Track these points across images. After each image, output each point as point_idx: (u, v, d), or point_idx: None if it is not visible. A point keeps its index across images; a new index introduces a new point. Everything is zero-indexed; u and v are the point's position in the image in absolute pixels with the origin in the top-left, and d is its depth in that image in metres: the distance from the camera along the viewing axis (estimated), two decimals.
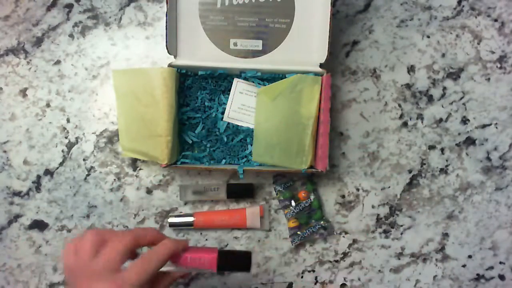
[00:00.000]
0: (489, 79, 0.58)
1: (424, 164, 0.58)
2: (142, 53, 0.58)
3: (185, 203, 0.57)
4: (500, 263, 0.58)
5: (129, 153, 0.53)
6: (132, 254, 0.41)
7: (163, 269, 0.42)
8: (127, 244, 0.40)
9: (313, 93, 0.51)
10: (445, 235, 0.58)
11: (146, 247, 0.45)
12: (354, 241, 0.58)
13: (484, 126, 0.58)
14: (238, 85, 0.55)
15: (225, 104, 0.55)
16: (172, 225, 0.55)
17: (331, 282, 0.57)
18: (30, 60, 0.57)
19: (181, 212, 0.57)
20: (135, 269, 0.38)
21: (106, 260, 0.38)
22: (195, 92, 0.55)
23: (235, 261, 0.45)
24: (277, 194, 0.57)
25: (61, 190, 0.57)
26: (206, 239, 0.57)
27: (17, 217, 0.57)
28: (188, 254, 0.43)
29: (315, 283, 0.57)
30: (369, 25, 0.58)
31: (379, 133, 0.58)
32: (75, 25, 0.58)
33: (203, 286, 0.57)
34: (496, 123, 0.58)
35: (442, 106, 0.58)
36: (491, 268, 0.58)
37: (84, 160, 0.57)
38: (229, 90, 0.55)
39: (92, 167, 0.57)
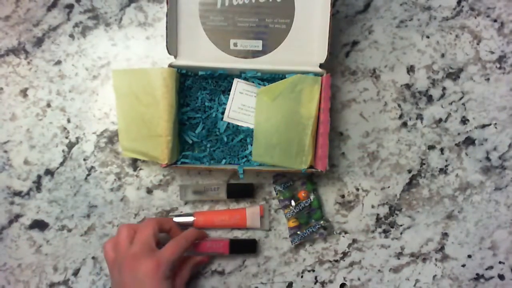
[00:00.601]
0: (488, 79, 0.58)
1: (424, 164, 0.58)
2: (142, 53, 0.58)
3: (185, 203, 0.57)
4: (500, 262, 0.58)
5: (129, 153, 0.53)
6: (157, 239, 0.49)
7: (188, 253, 0.53)
8: (154, 227, 0.49)
9: (313, 93, 0.51)
10: (445, 235, 0.58)
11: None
12: (354, 240, 0.58)
13: (483, 126, 0.58)
14: (238, 85, 0.55)
15: (225, 104, 0.55)
16: None
17: (331, 282, 0.58)
18: (31, 60, 0.57)
19: (181, 212, 0.57)
20: (169, 248, 0.47)
21: (142, 243, 0.47)
22: (195, 92, 0.55)
23: (243, 246, 0.56)
24: (277, 194, 0.57)
25: (61, 190, 0.57)
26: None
27: (17, 217, 0.57)
28: (206, 242, 0.54)
29: (315, 283, 0.57)
30: (368, 26, 0.58)
31: (378, 133, 0.58)
32: (76, 25, 0.58)
33: (203, 286, 0.57)
34: (496, 123, 0.58)
35: (442, 106, 0.58)
36: (491, 267, 0.58)
37: (84, 160, 0.57)
38: (229, 90, 0.55)
39: (92, 167, 0.57)
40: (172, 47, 0.52)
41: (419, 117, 0.58)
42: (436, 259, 0.58)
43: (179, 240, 0.49)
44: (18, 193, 0.57)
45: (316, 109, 0.52)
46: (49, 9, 0.58)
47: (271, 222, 0.57)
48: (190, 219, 0.55)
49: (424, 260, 0.58)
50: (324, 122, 0.51)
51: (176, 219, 0.55)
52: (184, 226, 0.56)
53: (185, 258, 0.54)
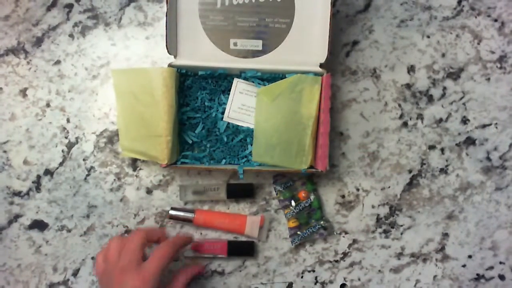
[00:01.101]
0: (489, 79, 0.58)
1: (424, 164, 0.58)
2: (142, 53, 0.58)
3: (185, 203, 0.57)
4: (500, 263, 0.58)
5: (129, 153, 0.53)
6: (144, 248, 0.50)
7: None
8: (140, 240, 0.48)
9: (313, 93, 0.51)
10: (445, 235, 0.58)
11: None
12: (354, 241, 0.58)
13: (484, 126, 0.58)
14: (238, 85, 0.55)
15: (225, 104, 0.55)
16: (172, 217, 0.55)
17: (331, 282, 0.57)
18: (30, 60, 0.57)
19: (185, 204, 0.57)
20: (154, 260, 0.47)
21: (129, 256, 0.47)
22: (195, 92, 0.55)
23: (241, 248, 0.56)
24: (277, 194, 0.57)
25: (61, 190, 0.57)
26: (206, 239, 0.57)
27: (17, 217, 0.57)
28: (205, 243, 0.55)
29: (315, 283, 0.57)
30: (369, 25, 0.58)
31: (379, 133, 0.58)
32: (75, 25, 0.57)
33: (203, 286, 0.57)
34: (496, 123, 0.58)
35: (442, 106, 0.58)
36: (491, 268, 0.58)
37: (84, 160, 0.57)
38: (229, 90, 0.55)
39: (92, 167, 0.57)
40: (172, 47, 0.52)
41: (420, 117, 0.58)
42: (436, 259, 0.58)
43: (164, 248, 0.48)
44: (17, 193, 0.57)
45: (316, 109, 0.52)
46: (49, 8, 0.57)
47: (269, 230, 0.57)
48: (190, 215, 0.55)
49: (424, 260, 0.58)
50: (324, 122, 0.51)
51: (176, 213, 0.55)
52: (183, 221, 0.56)
53: (180, 270, 0.53)
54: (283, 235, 0.57)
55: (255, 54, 0.54)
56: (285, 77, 0.53)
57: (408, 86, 0.58)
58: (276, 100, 0.52)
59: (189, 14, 0.53)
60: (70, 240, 0.57)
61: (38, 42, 0.57)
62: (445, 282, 0.58)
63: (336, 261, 0.57)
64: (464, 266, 0.58)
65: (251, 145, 0.55)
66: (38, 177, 0.57)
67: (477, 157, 0.58)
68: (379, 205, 0.58)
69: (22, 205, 0.57)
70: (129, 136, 0.52)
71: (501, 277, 0.58)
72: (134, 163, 0.57)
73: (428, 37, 0.58)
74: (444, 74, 0.58)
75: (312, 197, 0.57)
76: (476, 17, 0.58)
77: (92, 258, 0.57)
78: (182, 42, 0.53)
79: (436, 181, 0.58)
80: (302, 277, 0.57)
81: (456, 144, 0.58)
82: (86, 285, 0.57)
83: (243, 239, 0.57)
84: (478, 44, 0.58)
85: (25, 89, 0.57)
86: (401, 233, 0.58)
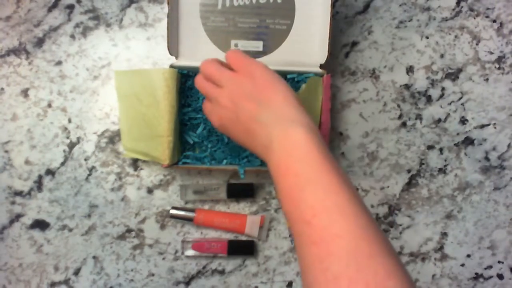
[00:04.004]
0: (487, 79, 0.59)
1: (423, 164, 0.58)
2: (143, 53, 0.58)
3: (186, 203, 0.58)
4: (499, 262, 0.59)
5: (131, 153, 0.53)
6: None
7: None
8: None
9: (317, 94, 0.52)
10: (444, 235, 0.58)
11: None
12: None
13: (482, 126, 0.59)
14: None
15: None
16: (172, 216, 0.56)
17: None
18: (32, 60, 0.58)
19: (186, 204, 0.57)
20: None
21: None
22: (196, 92, 0.55)
23: (241, 247, 0.56)
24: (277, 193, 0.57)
25: (62, 189, 0.57)
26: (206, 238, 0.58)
27: (18, 216, 0.57)
28: (205, 243, 0.56)
29: None
30: (368, 26, 0.58)
31: (378, 133, 0.58)
32: (76, 26, 0.58)
33: (203, 286, 0.57)
34: (495, 123, 0.59)
35: (441, 107, 0.59)
36: (490, 267, 0.59)
37: (85, 160, 0.57)
38: None
39: (93, 167, 0.57)
40: (173, 48, 0.52)
41: (418, 117, 0.58)
42: (435, 259, 0.58)
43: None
44: (19, 193, 0.57)
45: (319, 110, 0.52)
46: (50, 9, 0.58)
47: (269, 229, 0.57)
48: (190, 215, 0.56)
49: (423, 259, 0.58)
50: (324, 122, 0.51)
51: (177, 212, 0.56)
52: (184, 221, 0.56)
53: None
54: (283, 234, 0.58)
55: (255, 55, 0.54)
56: (286, 78, 0.54)
57: (407, 86, 0.58)
58: None
59: (190, 15, 0.53)
60: (71, 239, 0.57)
61: (40, 42, 0.58)
62: (444, 281, 0.58)
63: None
64: (462, 265, 0.59)
65: None
66: (40, 177, 0.57)
67: (476, 157, 0.59)
68: (378, 205, 0.58)
69: (23, 204, 0.57)
70: (131, 137, 0.53)
71: (500, 276, 0.59)
72: (135, 163, 0.57)
73: (427, 38, 0.59)
74: (443, 74, 0.59)
75: None
76: (474, 18, 0.59)
77: (94, 257, 0.57)
78: (183, 43, 0.54)
79: (434, 181, 0.58)
80: None
81: (455, 144, 0.59)
82: (87, 284, 0.57)
83: (243, 238, 0.57)
84: (477, 44, 0.59)
85: (27, 89, 0.57)
86: (400, 233, 0.58)
